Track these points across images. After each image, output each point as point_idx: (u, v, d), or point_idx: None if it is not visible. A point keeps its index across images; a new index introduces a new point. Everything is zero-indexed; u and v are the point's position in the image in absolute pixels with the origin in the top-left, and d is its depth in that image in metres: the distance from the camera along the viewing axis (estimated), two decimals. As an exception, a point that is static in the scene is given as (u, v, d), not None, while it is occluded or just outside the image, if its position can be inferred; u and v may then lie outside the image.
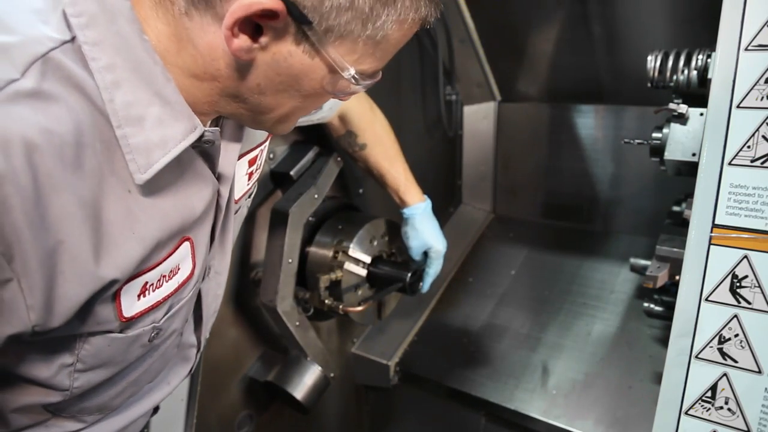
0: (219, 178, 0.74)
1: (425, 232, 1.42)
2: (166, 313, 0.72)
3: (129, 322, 0.66)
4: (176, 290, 0.71)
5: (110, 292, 0.61)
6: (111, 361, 0.69)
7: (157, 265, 0.65)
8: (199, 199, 0.70)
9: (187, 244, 0.70)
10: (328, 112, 1.24)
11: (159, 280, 0.67)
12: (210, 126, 0.71)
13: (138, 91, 0.58)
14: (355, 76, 0.62)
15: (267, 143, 0.93)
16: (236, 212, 0.86)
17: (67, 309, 0.57)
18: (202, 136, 0.64)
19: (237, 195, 0.84)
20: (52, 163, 0.51)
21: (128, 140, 0.58)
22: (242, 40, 0.56)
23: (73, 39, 0.55)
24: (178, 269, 0.70)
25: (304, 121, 1.17)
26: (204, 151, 0.69)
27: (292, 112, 0.69)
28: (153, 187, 0.62)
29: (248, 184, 0.89)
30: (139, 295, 0.65)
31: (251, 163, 0.88)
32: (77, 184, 0.54)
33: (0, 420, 0.69)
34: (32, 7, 0.56)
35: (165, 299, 0.69)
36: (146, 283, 0.65)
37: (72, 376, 0.66)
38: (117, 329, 0.65)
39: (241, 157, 0.83)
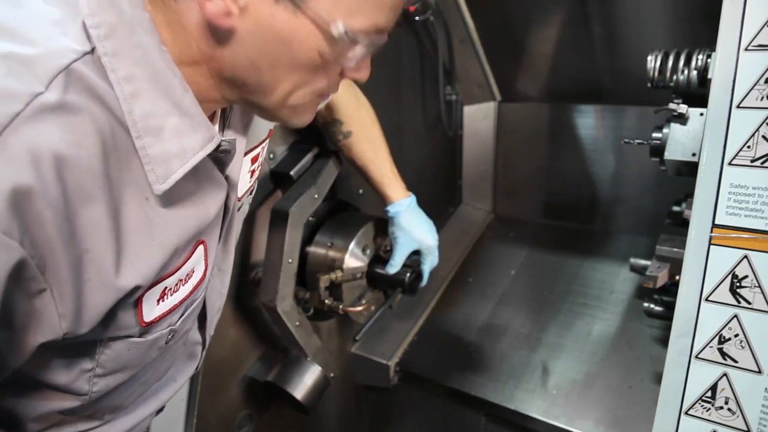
0: (228, 180, 0.74)
1: (413, 230, 1.35)
2: (182, 316, 0.73)
3: (148, 327, 0.67)
4: (191, 292, 0.72)
5: (133, 298, 0.62)
6: (129, 365, 0.70)
7: (176, 270, 0.66)
8: (213, 204, 0.70)
9: (201, 247, 0.71)
10: None
11: (176, 285, 0.68)
12: (219, 127, 0.71)
13: (157, 102, 0.58)
14: (348, 32, 0.58)
15: (267, 141, 0.93)
16: (239, 209, 0.87)
17: (94, 316, 0.58)
18: (219, 145, 0.65)
19: (240, 193, 0.84)
20: (80, 175, 0.52)
21: (147, 150, 0.58)
22: (216, 5, 0.55)
23: (92, 50, 0.55)
24: (193, 272, 0.71)
25: None
26: (218, 157, 0.70)
27: (295, 89, 0.65)
28: (170, 194, 0.62)
29: (250, 182, 0.90)
30: (158, 300, 0.66)
31: (254, 160, 0.89)
32: (103, 194, 0.54)
33: (16, 427, 0.70)
34: (51, 18, 0.55)
35: (181, 302, 0.70)
36: (165, 288, 0.66)
37: (91, 381, 0.67)
38: (137, 334, 0.66)
39: (245, 155, 0.83)
